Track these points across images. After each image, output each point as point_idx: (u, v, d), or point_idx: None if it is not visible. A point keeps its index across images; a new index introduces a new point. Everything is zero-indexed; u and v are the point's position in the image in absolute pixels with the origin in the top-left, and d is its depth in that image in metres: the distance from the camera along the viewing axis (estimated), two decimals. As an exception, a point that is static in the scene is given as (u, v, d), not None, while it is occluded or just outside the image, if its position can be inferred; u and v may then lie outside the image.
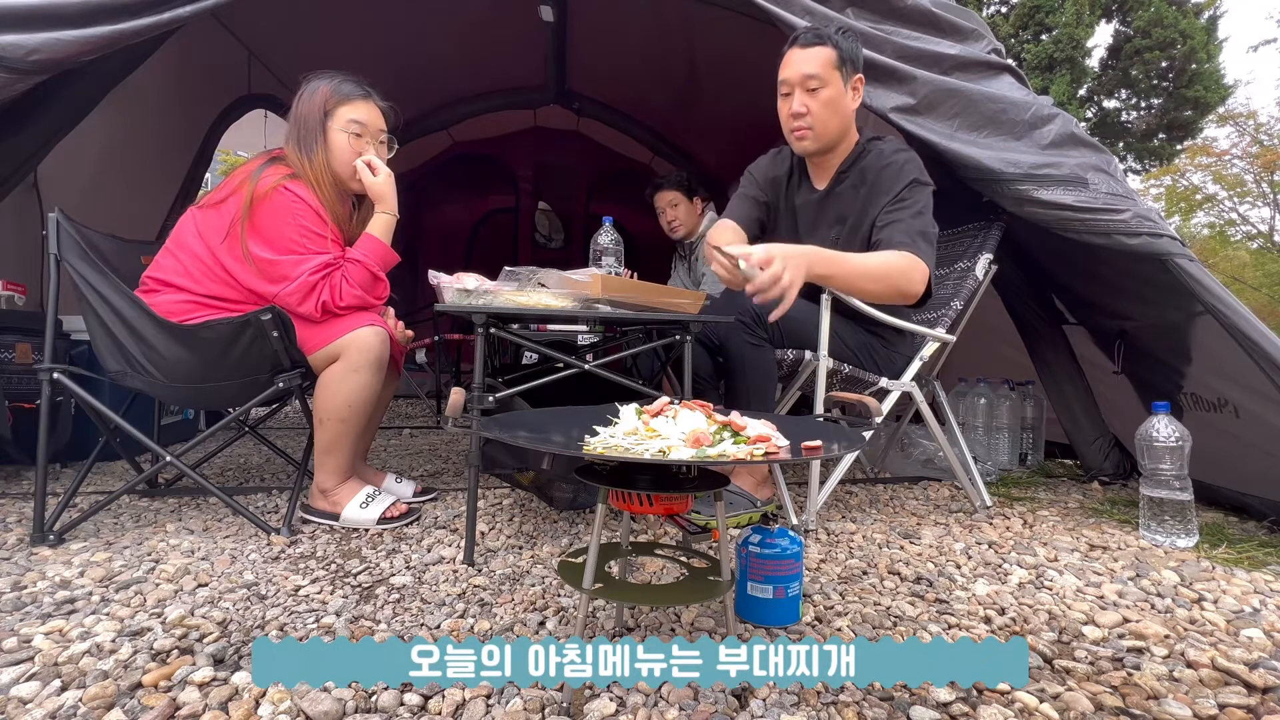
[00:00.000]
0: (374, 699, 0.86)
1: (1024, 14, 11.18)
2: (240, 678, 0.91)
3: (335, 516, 1.63)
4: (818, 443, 0.87)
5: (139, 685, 0.89)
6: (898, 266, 1.54)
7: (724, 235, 1.75)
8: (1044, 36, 11.11)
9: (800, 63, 1.63)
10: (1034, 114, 1.80)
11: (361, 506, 1.62)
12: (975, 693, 0.91)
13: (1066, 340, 2.35)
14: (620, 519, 1.36)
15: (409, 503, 1.74)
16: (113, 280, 1.53)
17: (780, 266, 1.32)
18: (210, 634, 1.04)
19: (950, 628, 1.12)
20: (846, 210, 1.74)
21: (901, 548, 1.53)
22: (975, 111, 1.80)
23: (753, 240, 1.80)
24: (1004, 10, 11.79)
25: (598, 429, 0.90)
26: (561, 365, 1.55)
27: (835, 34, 1.65)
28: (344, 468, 1.65)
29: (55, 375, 1.53)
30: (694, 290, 2.08)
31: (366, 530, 1.61)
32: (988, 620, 1.15)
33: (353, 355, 1.59)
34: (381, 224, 1.69)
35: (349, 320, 1.61)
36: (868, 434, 1.79)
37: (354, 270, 1.61)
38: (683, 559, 1.06)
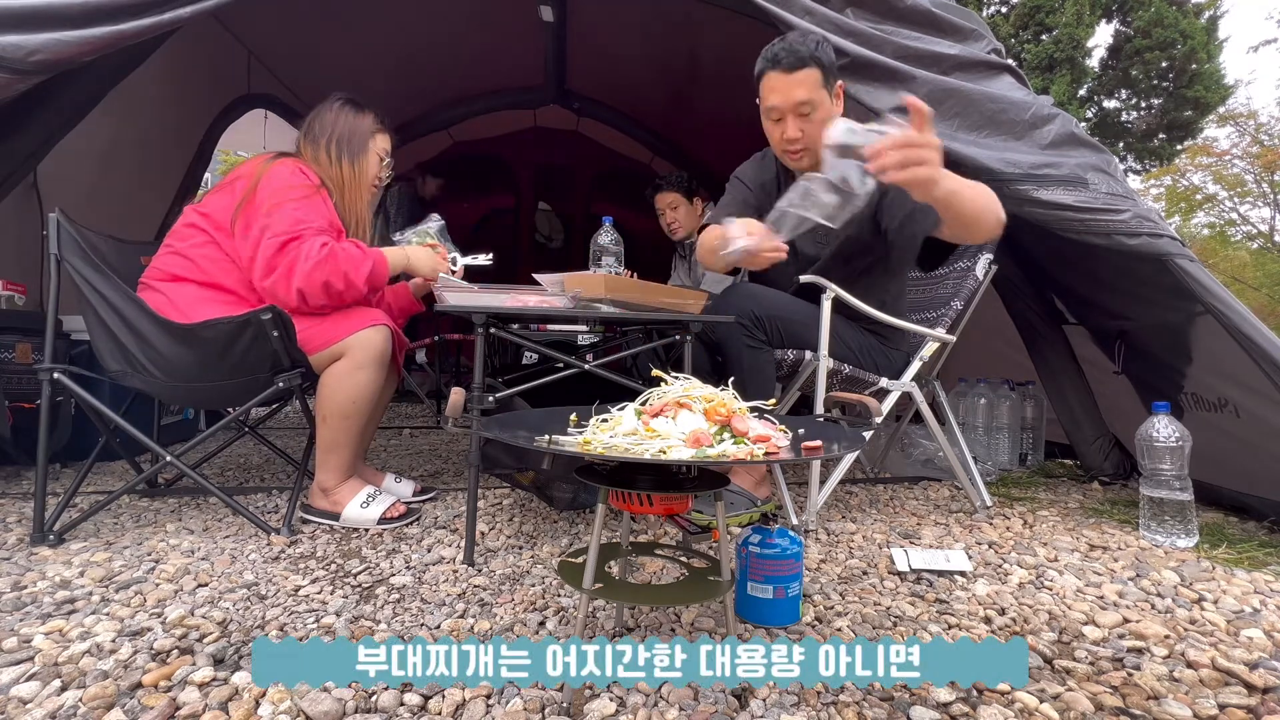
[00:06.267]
0: (374, 699, 0.86)
1: (1024, 14, 11.18)
2: (240, 678, 0.91)
3: (335, 516, 1.63)
4: (818, 443, 0.87)
5: (139, 685, 0.90)
6: (987, 191, 1.40)
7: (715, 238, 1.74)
8: (1044, 36, 11.11)
9: (790, 89, 1.57)
10: (1034, 114, 1.80)
11: (362, 506, 1.62)
12: (975, 693, 0.91)
13: (1066, 340, 2.35)
14: (620, 519, 1.36)
15: (409, 503, 1.74)
16: (113, 280, 1.54)
17: (933, 137, 1.14)
18: (210, 634, 1.04)
19: (950, 628, 1.12)
20: None
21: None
22: (975, 111, 1.80)
23: None
24: (1004, 10, 11.78)
25: (582, 424, 0.90)
26: (561, 365, 1.55)
27: (815, 50, 1.57)
28: (346, 465, 1.65)
29: (55, 375, 1.53)
30: (694, 290, 2.08)
31: (366, 530, 1.61)
32: (988, 620, 1.15)
33: (357, 353, 1.59)
34: (395, 255, 1.75)
35: (352, 321, 1.62)
36: (868, 434, 1.79)
37: (343, 250, 1.61)
38: (683, 559, 1.06)
